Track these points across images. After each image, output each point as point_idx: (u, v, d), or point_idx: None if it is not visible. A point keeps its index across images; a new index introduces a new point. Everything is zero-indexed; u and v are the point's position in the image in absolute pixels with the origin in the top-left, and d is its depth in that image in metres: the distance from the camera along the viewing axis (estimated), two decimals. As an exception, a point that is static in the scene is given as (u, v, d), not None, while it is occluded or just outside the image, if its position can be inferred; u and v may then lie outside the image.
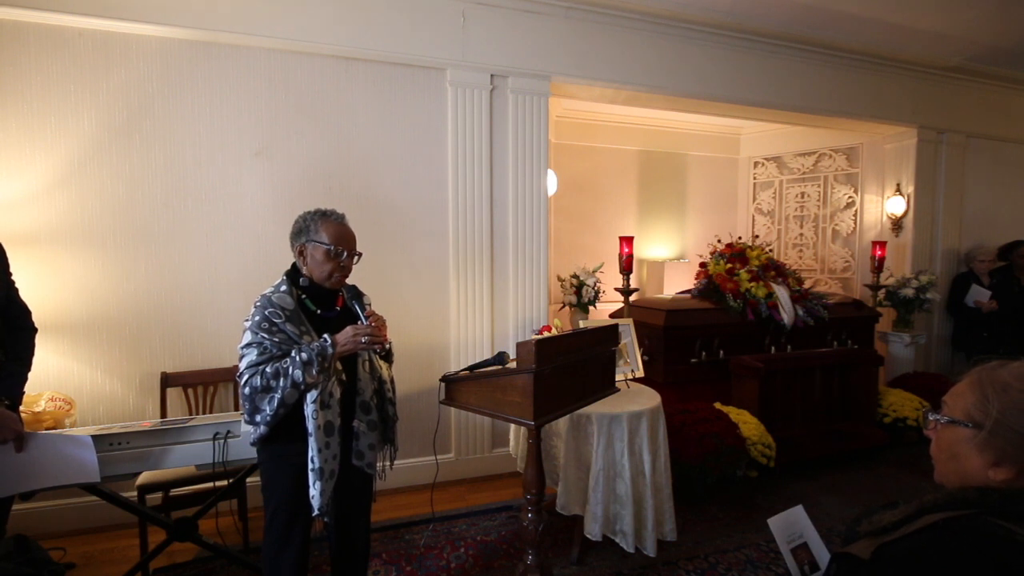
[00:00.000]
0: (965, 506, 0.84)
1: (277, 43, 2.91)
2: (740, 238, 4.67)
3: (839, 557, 0.93)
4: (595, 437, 2.34)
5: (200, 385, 2.85)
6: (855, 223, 5.28)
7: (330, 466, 1.67)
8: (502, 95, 3.36)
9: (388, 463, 1.99)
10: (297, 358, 1.62)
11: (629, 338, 2.92)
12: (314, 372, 1.62)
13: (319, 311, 1.78)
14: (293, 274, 1.79)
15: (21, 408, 2.12)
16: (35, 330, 2.12)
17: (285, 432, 1.66)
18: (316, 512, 1.65)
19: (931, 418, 0.95)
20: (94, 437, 1.92)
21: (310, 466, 1.65)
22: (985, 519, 0.81)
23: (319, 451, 1.64)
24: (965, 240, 4.87)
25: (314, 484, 1.64)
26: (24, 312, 2.09)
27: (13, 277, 2.07)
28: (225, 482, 2.17)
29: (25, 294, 2.17)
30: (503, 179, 3.39)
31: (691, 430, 3.00)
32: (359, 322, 1.75)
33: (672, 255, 5.93)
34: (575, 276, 3.78)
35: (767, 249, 4.15)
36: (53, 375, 2.69)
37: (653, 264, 5.74)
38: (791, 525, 1.30)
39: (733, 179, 6.13)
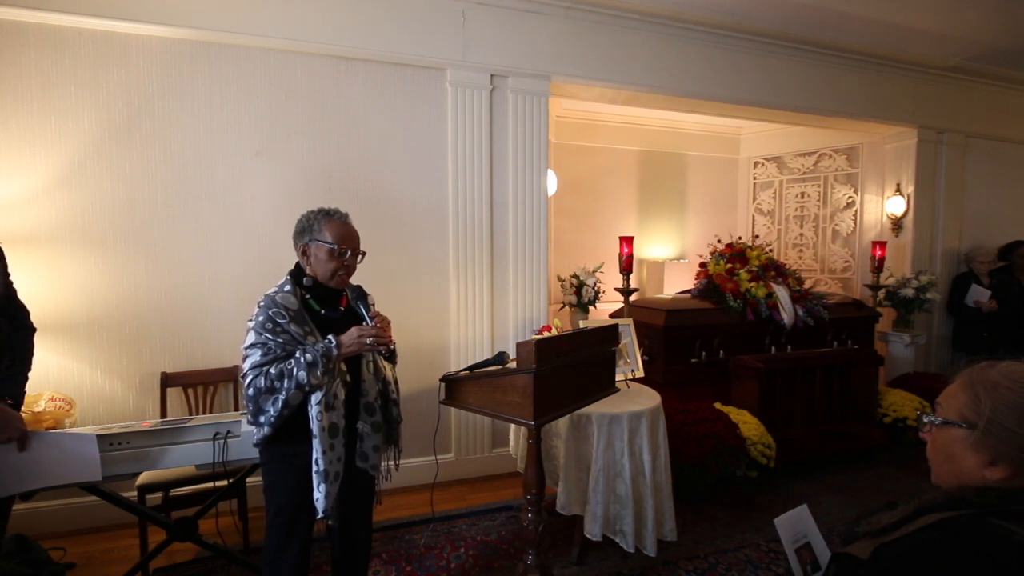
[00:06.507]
0: (963, 506, 0.84)
1: (277, 43, 2.91)
2: (740, 238, 4.67)
3: (838, 557, 0.93)
4: (595, 437, 2.35)
5: (200, 385, 2.85)
6: (855, 223, 5.28)
7: (335, 468, 1.66)
8: (502, 95, 3.36)
9: (392, 464, 1.99)
10: (302, 359, 1.61)
11: (629, 338, 2.92)
12: (319, 374, 1.62)
13: (323, 311, 1.77)
14: (297, 274, 1.79)
15: (22, 408, 2.12)
16: (34, 329, 2.13)
17: (288, 433, 1.66)
18: (320, 515, 1.65)
19: (925, 420, 0.95)
20: (94, 437, 1.92)
21: (314, 469, 1.64)
22: (983, 519, 0.81)
23: (323, 453, 1.63)
24: (965, 240, 4.87)
25: (319, 487, 1.63)
26: (23, 311, 2.10)
27: (11, 277, 2.07)
28: (225, 482, 2.17)
29: (25, 294, 2.18)
30: (503, 179, 3.39)
31: (691, 430, 3.00)
32: (363, 323, 1.75)
33: (672, 255, 5.92)
34: (575, 276, 3.78)
35: (767, 249, 4.15)
36: (53, 375, 2.69)
37: (653, 264, 5.74)
38: (796, 525, 1.30)
39: (733, 179, 6.13)
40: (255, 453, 1.83)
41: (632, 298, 3.70)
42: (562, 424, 2.41)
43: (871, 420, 3.86)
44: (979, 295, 4.49)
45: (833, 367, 3.76)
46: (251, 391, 1.62)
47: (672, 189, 5.91)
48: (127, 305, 2.80)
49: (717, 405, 3.35)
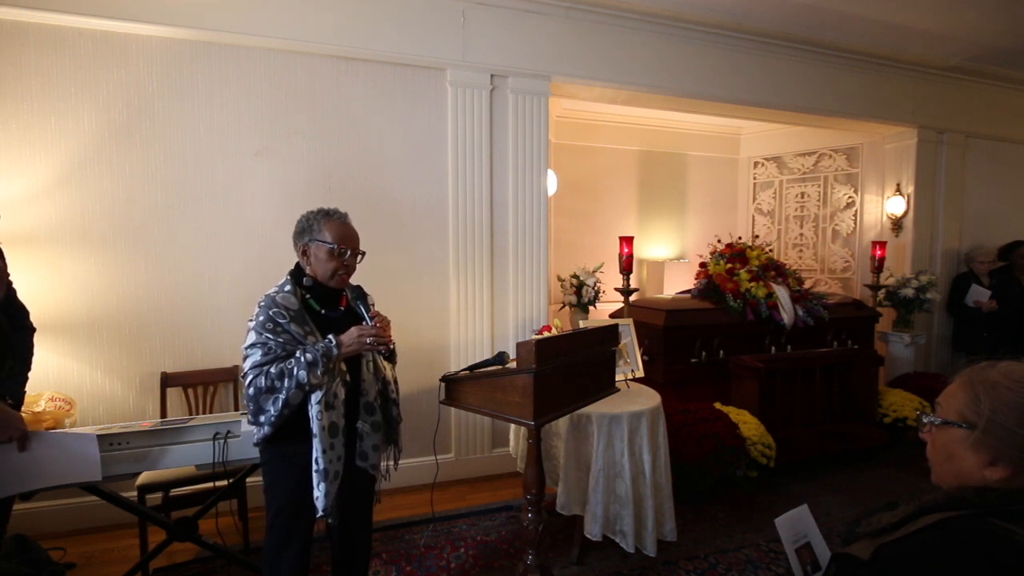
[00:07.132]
0: (963, 506, 0.84)
1: (277, 43, 2.91)
2: (740, 238, 4.67)
3: (839, 557, 0.93)
4: (595, 437, 2.34)
5: (200, 385, 2.85)
6: (855, 223, 5.28)
7: (335, 467, 1.67)
8: (502, 95, 3.36)
9: (392, 464, 1.99)
10: (302, 359, 1.61)
11: (629, 338, 2.92)
12: (319, 373, 1.62)
13: (323, 311, 1.78)
14: (297, 274, 1.79)
15: (22, 408, 2.13)
16: (34, 329, 2.13)
17: (288, 433, 1.66)
18: (320, 514, 1.65)
19: (925, 421, 0.95)
20: (94, 437, 1.92)
21: (314, 468, 1.64)
22: (983, 519, 0.81)
23: (323, 452, 1.64)
24: (965, 240, 4.87)
25: (318, 486, 1.64)
26: (23, 311, 2.10)
27: (11, 277, 2.07)
28: (225, 482, 2.17)
29: (25, 294, 2.18)
30: (503, 179, 3.39)
31: (691, 430, 3.00)
32: (363, 322, 1.75)
33: (672, 255, 5.92)
34: (575, 276, 3.78)
35: (767, 249, 4.15)
36: (53, 375, 2.69)
37: (653, 264, 5.74)
38: (796, 525, 1.30)
39: (733, 179, 6.13)
40: (255, 453, 1.83)
41: (632, 298, 3.70)
42: (562, 424, 2.41)
43: (871, 420, 3.85)
44: (979, 295, 4.49)
45: (833, 367, 3.76)
46: (251, 391, 1.62)
47: (672, 189, 5.91)
48: (127, 305, 2.80)
49: (717, 405, 3.35)
